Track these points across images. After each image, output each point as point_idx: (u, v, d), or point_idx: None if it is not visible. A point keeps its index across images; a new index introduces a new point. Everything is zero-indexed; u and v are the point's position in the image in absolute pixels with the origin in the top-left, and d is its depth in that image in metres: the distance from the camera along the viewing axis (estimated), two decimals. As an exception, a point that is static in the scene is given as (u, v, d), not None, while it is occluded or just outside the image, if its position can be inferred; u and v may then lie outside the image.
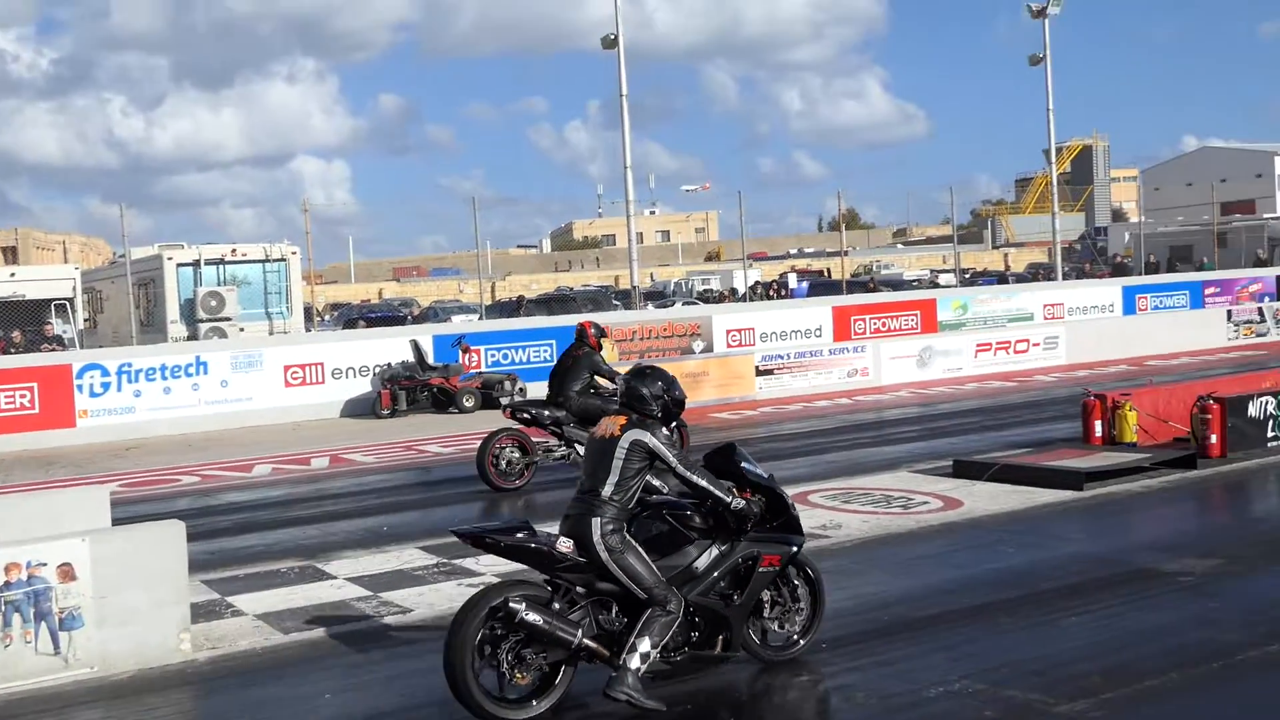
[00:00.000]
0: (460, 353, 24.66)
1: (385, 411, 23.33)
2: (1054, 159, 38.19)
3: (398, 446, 19.56)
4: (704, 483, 7.05)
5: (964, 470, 13.87)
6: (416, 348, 24.12)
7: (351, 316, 39.51)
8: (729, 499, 7.08)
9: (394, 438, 20.49)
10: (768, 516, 7.34)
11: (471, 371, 24.48)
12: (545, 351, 26.39)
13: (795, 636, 7.60)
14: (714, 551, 7.18)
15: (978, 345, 27.37)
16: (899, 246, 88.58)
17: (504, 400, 23.76)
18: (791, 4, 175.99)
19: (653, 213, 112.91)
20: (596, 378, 15.21)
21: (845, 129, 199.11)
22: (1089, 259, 53.03)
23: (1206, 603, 8.62)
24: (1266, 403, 14.63)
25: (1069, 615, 8.33)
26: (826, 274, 52.54)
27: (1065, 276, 40.91)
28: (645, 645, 6.72)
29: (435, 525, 12.62)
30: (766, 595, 7.43)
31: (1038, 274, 48.54)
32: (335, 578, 10.38)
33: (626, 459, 6.90)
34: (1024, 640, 7.91)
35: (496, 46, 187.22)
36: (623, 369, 15.76)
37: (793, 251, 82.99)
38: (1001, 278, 48.72)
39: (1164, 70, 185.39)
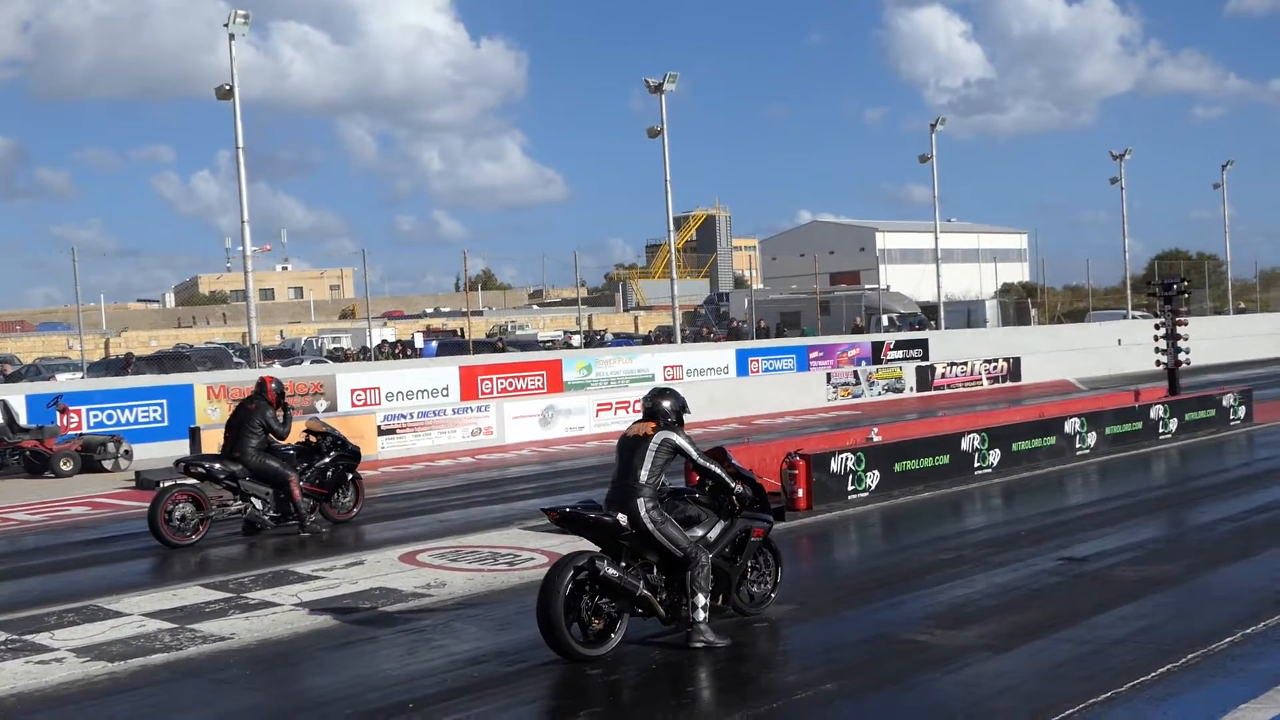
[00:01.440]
0: (58, 413, 23.08)
1: (-32, 478, 21.50)
2: (671, 228, 39.87)
3: (-22, 515, 18.02)
4: (718, 470, 9.23)
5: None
6: (5, 408, 22.37)
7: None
8: (733, 485, 9.25)
9: (-25, 505, 18.87)
10: (754, 500, 9.47)
11: (70, 433, 22.95)
12: (155, 411, 25.13)
13: (769, 593, 9.81)
14: (720, 526, 9.29)
15: (599, 405, 28.19)
16: (534, 308, 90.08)
17: (107, 463, 22.51)
18: (431, 64, 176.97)
19: (285, 268, 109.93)
20: (270, 434, 14.93)
21: (485, 190, 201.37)
22: (708, 323, 55.83)
23: (775, 646, 9.26)
24: (847, 459, 15.85)
25: (636, 666, 8.70)
26: (460, 334, 52.74)
27: (685, 339, 42.86)
28: (701, 598, 8.76)
29: (11, 600, 11.75)
30: (750, 562, 9.53)
31: (659, 337, 50.59)
32: (-119, 661, 9.40)
33: (657, 452, 8.93)
34: (599, 687, 8.18)
35: (117, 89, 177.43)
36: (298, 424, 15.59)
37: (429, 310, 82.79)
38: (646, 339, 50.50)
39: (782, 147, 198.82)
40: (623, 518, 8.78)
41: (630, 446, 9.11)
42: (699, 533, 9.13)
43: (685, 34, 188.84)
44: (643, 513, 8.78)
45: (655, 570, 8.96)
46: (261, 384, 15.36)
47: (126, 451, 22.87)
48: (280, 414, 15.12)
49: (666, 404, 9.28)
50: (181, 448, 22.07)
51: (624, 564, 8.79)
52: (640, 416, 9.44)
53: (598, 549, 8.90)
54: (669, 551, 8.86)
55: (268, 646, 9.61)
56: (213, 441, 20.87)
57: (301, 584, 11.81)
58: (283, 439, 15.15)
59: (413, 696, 8.01)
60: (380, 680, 8.54)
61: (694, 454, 9.14)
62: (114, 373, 32.93)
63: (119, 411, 24.66)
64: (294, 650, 9.56)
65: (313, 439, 15.55)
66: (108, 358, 42.25)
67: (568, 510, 8.96)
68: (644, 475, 8.89)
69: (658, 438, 9.02)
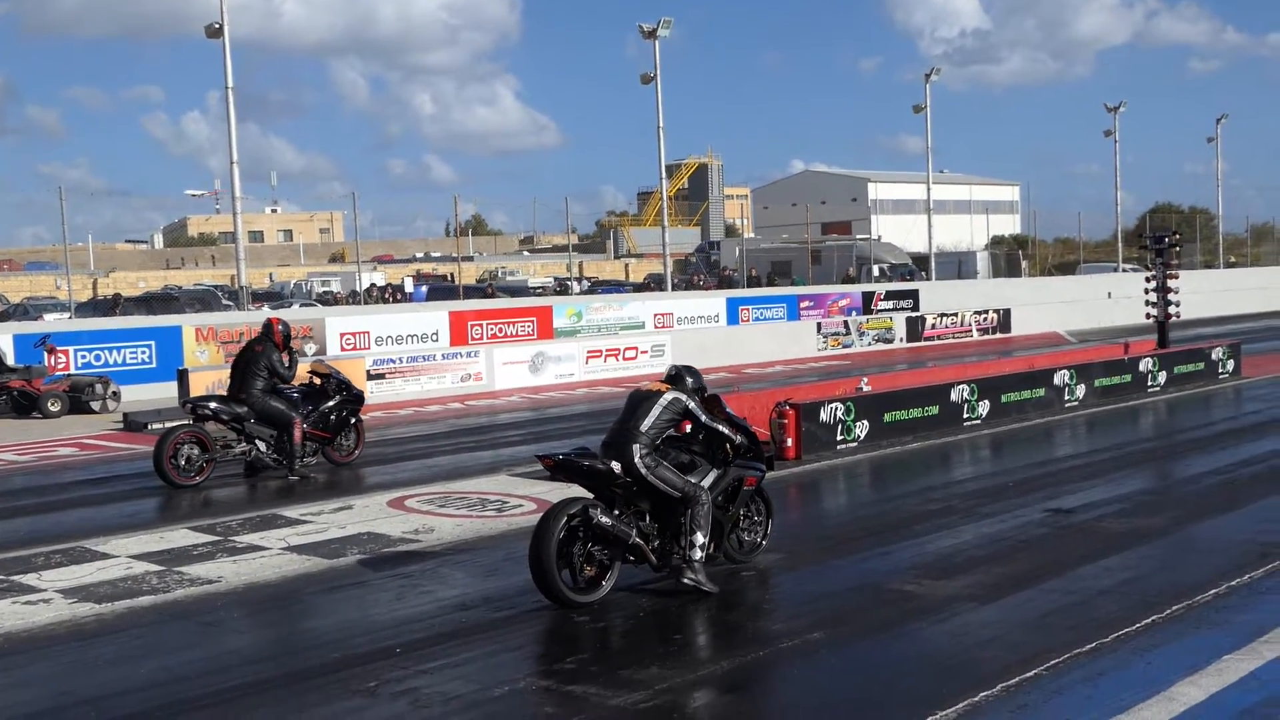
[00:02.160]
0: (45, 353, 22.99)
1: (-46, 417, 21.42)
2: (663, 175, 39.74)
3: (-35, 455, 17.96)
4: (722, 429, 9.30)
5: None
6: (-7, 348, 22.28)
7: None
8: (736, 438, 9.35)
9: (-38, 446, 18.81)
10: (749, 449, 9.56)
11: (58, 374, 22.86)
12: (144, 353, 25.05)
13: (760, 541, 9.94)
14: (713, 473, 9.36)
15: (589, 352, 28.16)
16: (525, 254, 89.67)
17: (95, 404, 22.44)
18: (425, 6, 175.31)
19: (274, 211, 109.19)
20: (275, 376, 14.93)
21: (477, 135, 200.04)
22: (699, 271, 55.71)
23: (762, 595, 9.30)
24: (837, 408, 15.85)
25: (624, 613, 8.73)
26: (450, 279, 52.55)
27: (676, 288, 42.78)
28: (699, 537, 8.89)
29: (-3, 539, 11.74)
30: (741, 511, 9.63)
31: (649, 285, 50.47)
32: None
33: (665, 408, 9.06)
34: (586, 633, 8.20)
35: (108, 26, 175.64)
36: (302, 366, 15.56)
37: (419, 255, 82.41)
38: (641, 287, 50.31)
39: (775, 96, 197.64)
40: (616, 465, 8.84)
41: (639, 399, 9.25)
42: (697, 478, 9.22)
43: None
44: (636, 458, 8.84)
45: (648, 518, 9.05)
46: (268, 325, 15.28)
47: (114, 393, 22.79)
48: (286, 357, 15.09)
49: (690, 379, 9.50)
50: (169, 389, 22.01)
51: (617, 511, 8.86)
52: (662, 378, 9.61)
53: (590, 496, 8.94)
54: (664, 495, 8.94)
55: (255, 590, 9.62)
56: (201, 384, 20.85)
57: (289, 528, 11.81)
58: (287, 382, 15.10)
59: (400, 641, 8.03)
60: (368, 625, 8.55)
61: (702, 416, 9.25)
62: (102, 313, 32.82)
63: (107, 352, 24.57)
64: (281, 594, 9.56)
65: (317, 381, 15.51)
66: (96, 298, 42.09)
67: (561, 457, 9.03)
68: (645, 425, 8.99)
69: (669, 395, 9.16)
